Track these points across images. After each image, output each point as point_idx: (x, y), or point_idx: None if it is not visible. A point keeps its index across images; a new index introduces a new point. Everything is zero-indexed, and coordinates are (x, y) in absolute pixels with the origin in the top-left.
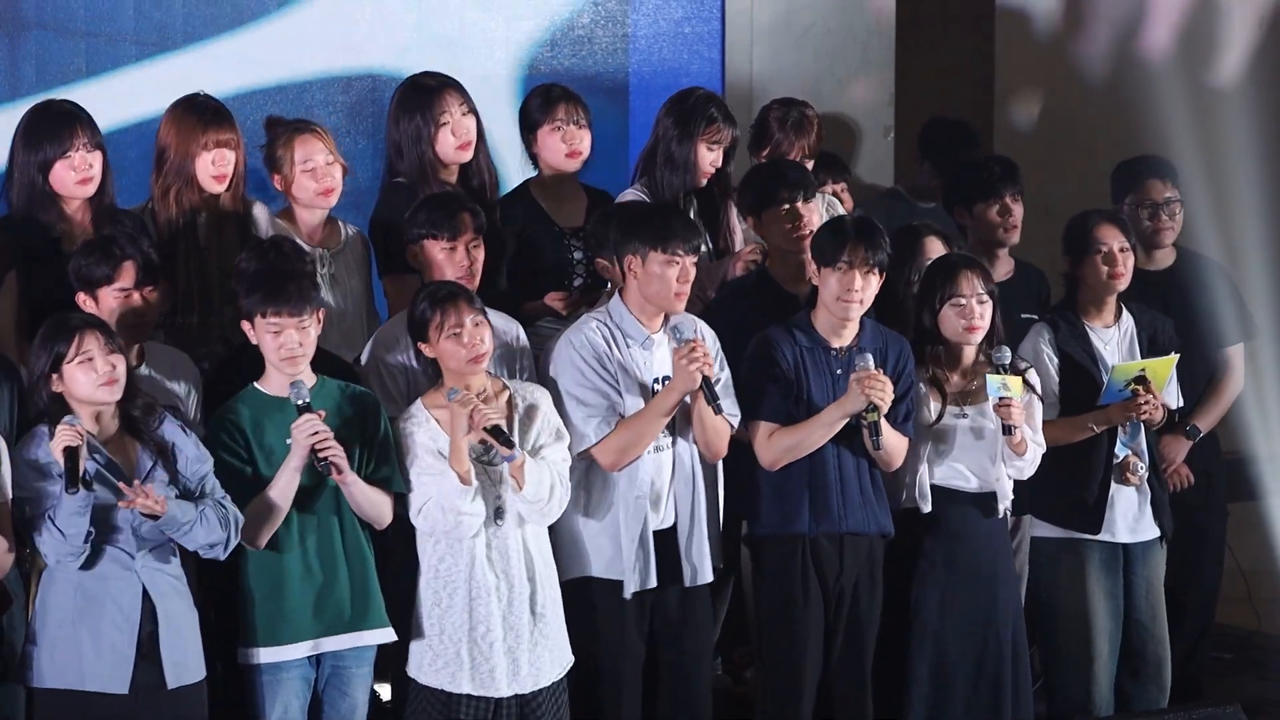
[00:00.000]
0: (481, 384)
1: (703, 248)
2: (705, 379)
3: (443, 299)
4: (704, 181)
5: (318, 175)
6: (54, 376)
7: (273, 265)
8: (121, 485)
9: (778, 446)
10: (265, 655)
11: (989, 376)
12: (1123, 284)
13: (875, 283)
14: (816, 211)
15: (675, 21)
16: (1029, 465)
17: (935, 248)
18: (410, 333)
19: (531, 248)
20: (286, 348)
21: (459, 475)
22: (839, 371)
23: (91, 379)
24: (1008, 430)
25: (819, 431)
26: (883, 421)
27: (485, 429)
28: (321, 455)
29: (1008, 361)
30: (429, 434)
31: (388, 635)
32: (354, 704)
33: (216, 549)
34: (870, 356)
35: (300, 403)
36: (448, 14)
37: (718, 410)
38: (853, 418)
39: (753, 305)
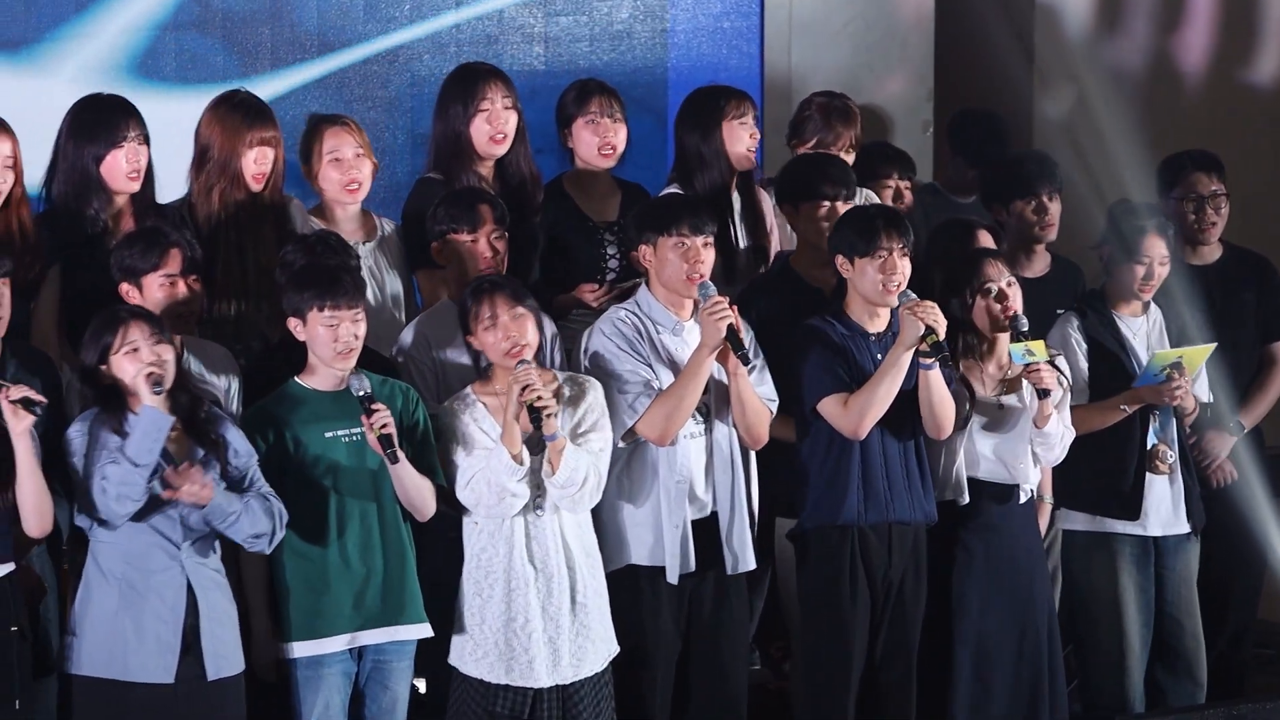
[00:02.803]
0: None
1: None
2: (731, 330)
3: (482, 292)
4: (746, 164)
5: (343, 167)
6: (102, 368)
7: (322, 260)
8: (168, 472)
9: (856, 410)
10: (302, 649)
11: (1012, 345)
12: (1149, 296)
13: (909, 265)
14: None
15: (714, 16)
16: (1058, 448)
17: (986, 240)
18: (461, 326)
19: (564, 243)
20: (342, 341)
21: (512, 455)
22: (879, 356)
23: (138, 368)
24: (1044, 394)
25: (888, 377)
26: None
27: (526, 404)
28: (383, 434)
29: (1026, 328)
30: (476, 416)
31: (424, 630)
32: (395, 697)
33: (261, 541)
34: (912, 294)
35: (362, 394)
36: (487, 9)
37: (745, 360)
38: (917, 353)
39: (777, 299)
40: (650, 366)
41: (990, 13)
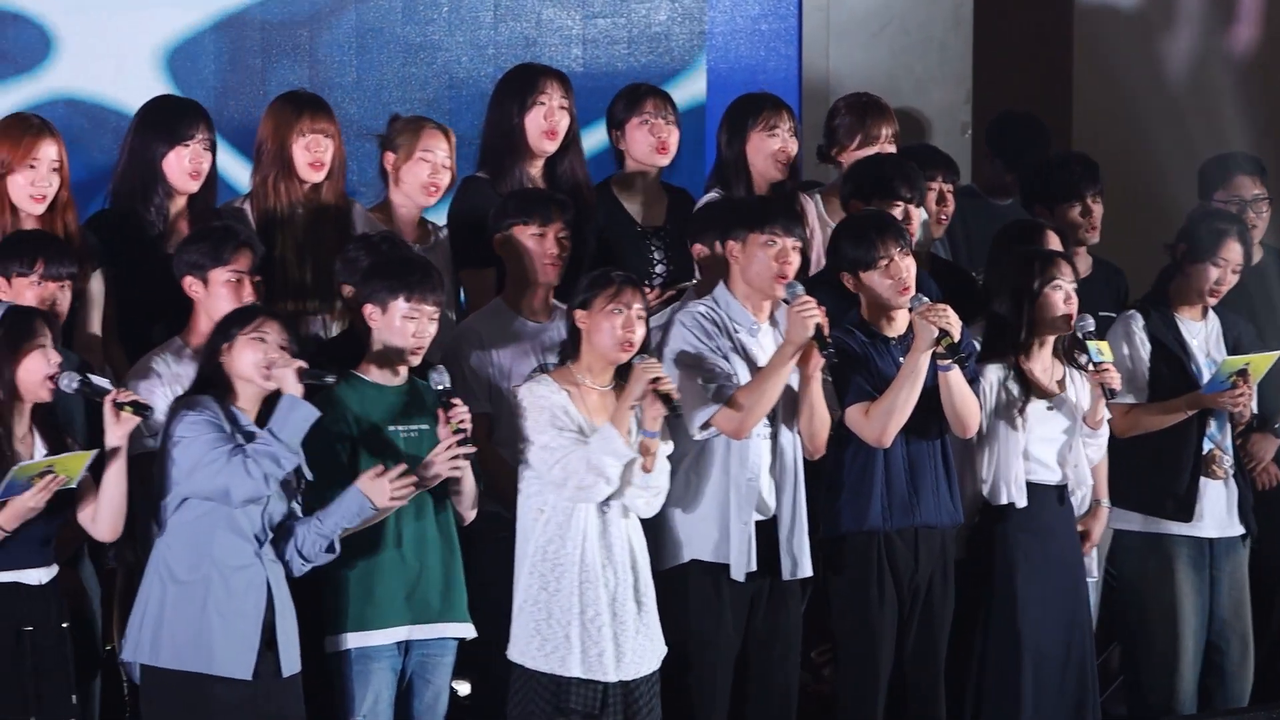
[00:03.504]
0: (610, 377)
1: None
2: (818, 329)
3: (619, 279)
4: (777, 173)
5: (431, 169)
6: (224, 346)
7: (400, 255)
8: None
9: (878, 417)
10: (354, 641)
11: (1089, 344)
12: (1216, 301)
13: (913, 262)
14: (920, 214)
15: (752, 19)
16: (1102, 444)
17: (1054, 242)
18: (576, 294)
19: (611, 246)
20: (418, 335)
21: (622, 438)
22: (900, 359)
23: (258, 356)
24: (1111, 394)
25: (907, 384)
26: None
27: (657, 392)
28: (460, 435)
29: (1092, 328)
30: (561, 403)
31: (469, 630)
32: (438, 691)
33: (314, 565)
34: (925, 297)
35: (441, 388)
36: (525, 12)
37: (829, 358)
38: (934, 356)
39: (828, 298)
40: (728, 359)
41: (1029, 14)
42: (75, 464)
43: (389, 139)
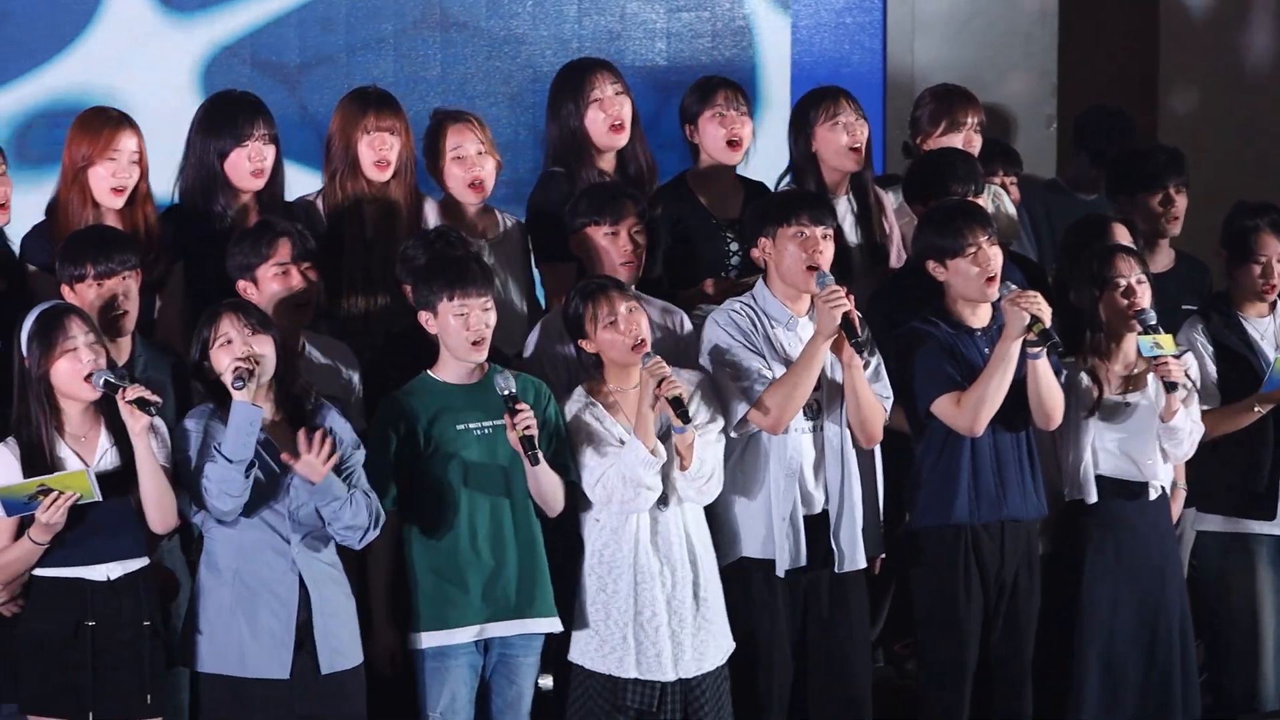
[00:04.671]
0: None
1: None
2: (846, 318)
3: (593, 291)
4: (849, 164)
5: (467, 165)
6: (205, 363)
7: (448, 252)
8: (300, 434)
9: (969, 407)
10: (431, 639)
11: (1140, 338)
12: (1273, 295)
13: (1000, 252)
14: (988, 201)
15: (836, 12)
16: (1187, 444)
17: (1122, 236)
18: (568, 331)
19: (687, 240)
20: (474, 330)
21: (647, 447)
22: (986, 350)
23: (227, 363)
24: (1171, 387)
25: (999, 371)
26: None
27: (667, 397)
28: (525, 434)
29: (1154, 322)
30: (595, 416)
31: (554, 625)
32: (520, 692)
33: (354, 534)
34: (1013, 285)
35: (506, 393)
36: (609, 6)
37: (859, 350)
38: (1024, 344)
39: (906, 292)
40: (764, 356)
41: (1115, 6)
42: (75, 481)
43: (426, 147)
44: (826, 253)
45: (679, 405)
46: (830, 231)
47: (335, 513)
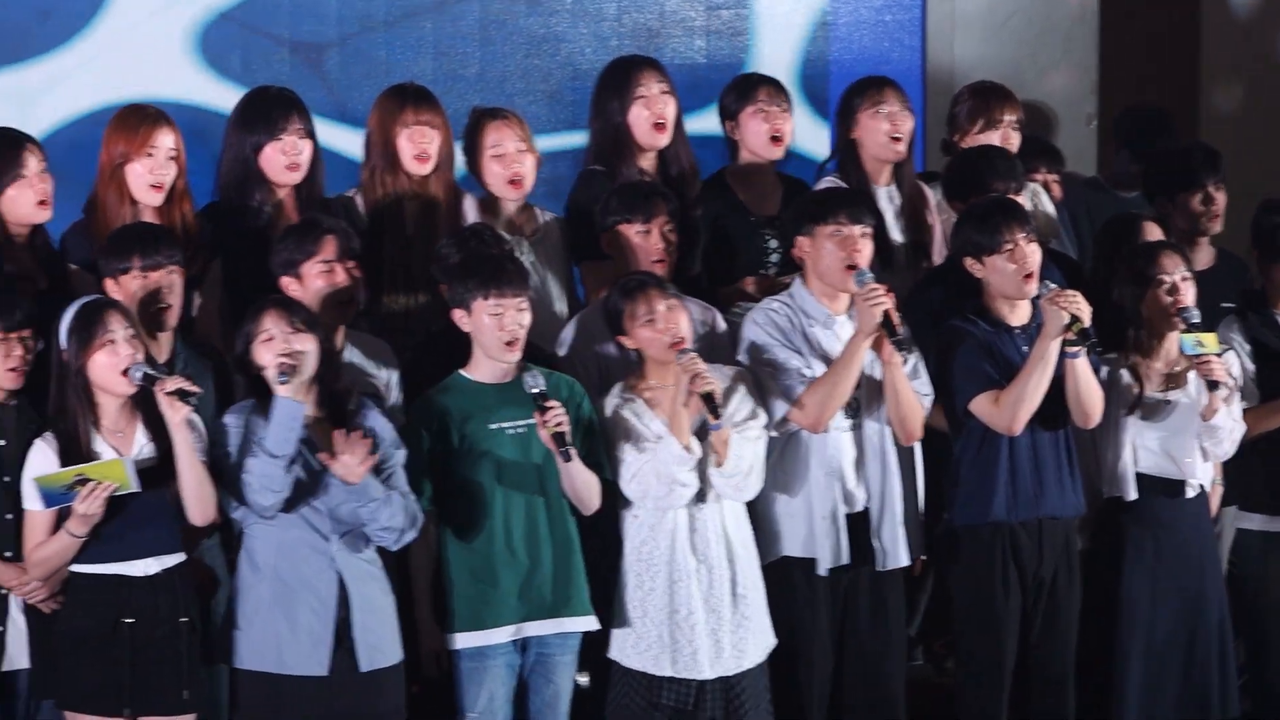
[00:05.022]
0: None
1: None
2: (886, 316)
3: (633, 289)
4: (890, 155)
5: (506, 162)
6: (249, 358)
7: (483, 250)
8: (336, 435)
9: (1008, 405)
10: (467, 640)
11: (1183, 336)
12: None
13: (1038, 249)
14: (1028, 199)
15: (875, 9)
16: (1227, 443)
17: (1154, 233)
18: (608, 327)
19: (726, 237)
20: (509, 330)
21: (681, 445)
22: (1024, 349)
23: (272, 357)
24: (1214, 386)
25: (1038, 370)
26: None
27: (699, 393)
28: (556, 431)
29: (1197, 320)
30: (637, 411)
31: (591, 623)
32: (558, 690)
33: (390, 535)
34: (1051, 284)
35: (535, 391)
36: (648, 4)
37: (899, 348)
38: (1064, 343)
39: (952, 287)
40: (803, 355)
41: (1155, 3)
42: (113, 470)
43: (466, 145)
44: (865, 251)
45: (710, 401)
46: (869, 230)
47: (372, 513)
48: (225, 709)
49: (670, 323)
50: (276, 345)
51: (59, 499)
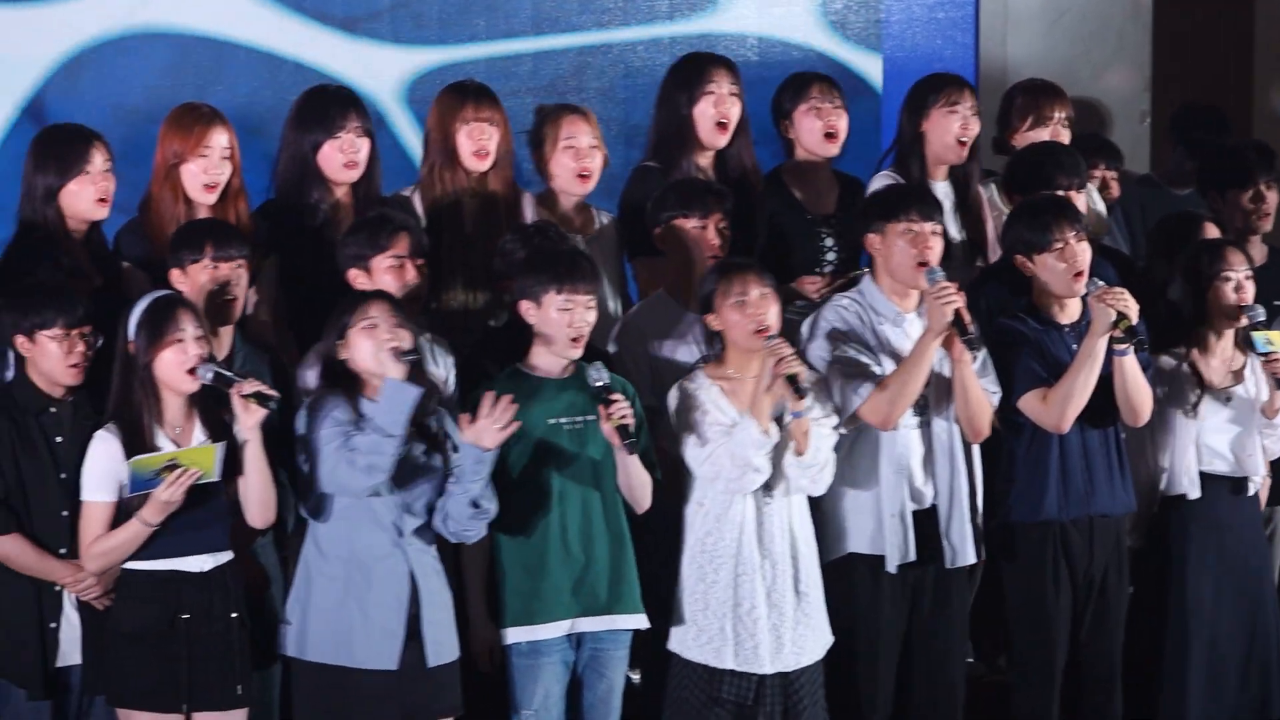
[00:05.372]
0: (760, 365)
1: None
2: (957, 314)
3: (730, 269)
4: (954, 155)
5: (578, 155)
6: (339, 344)
7: (553, 246)
8: (486, 396)
9: (1056, 403)
10: (522, 635)
11: (1253, 334)
12: None
13: (1089, 248)
14: (1085, 199)
15: (929, 7)
16: None
17: (1213, 233)
18: (700, 305)
19: (782, 235)
20: (576, 326)
21: (760, 427)
22: (1074, 347)
23: (377, 345)
24: None
25: (1085, 368)
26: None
27: (785, 375)
28: (622, 424)
29: (1262, 317)
30: (710, 397)
31: (641, 621)
32: (611, 685)
33: (477, 524)
34: (1100, 281)
35: (600, 384)
36: (701, 1)
37: (970, 346)
38: (1111, 340)
39: (1006, 286)
40: (873, 353)
41: (1209, 1)
42: (203, 456)
43: (533, 137)
44: (935, 248)
45: (795, 383)
46: (940, 228)
47: (480, 493)
48: (276, 708)
49: (760, 309)
50: (380, 333)
51: (144, 484)
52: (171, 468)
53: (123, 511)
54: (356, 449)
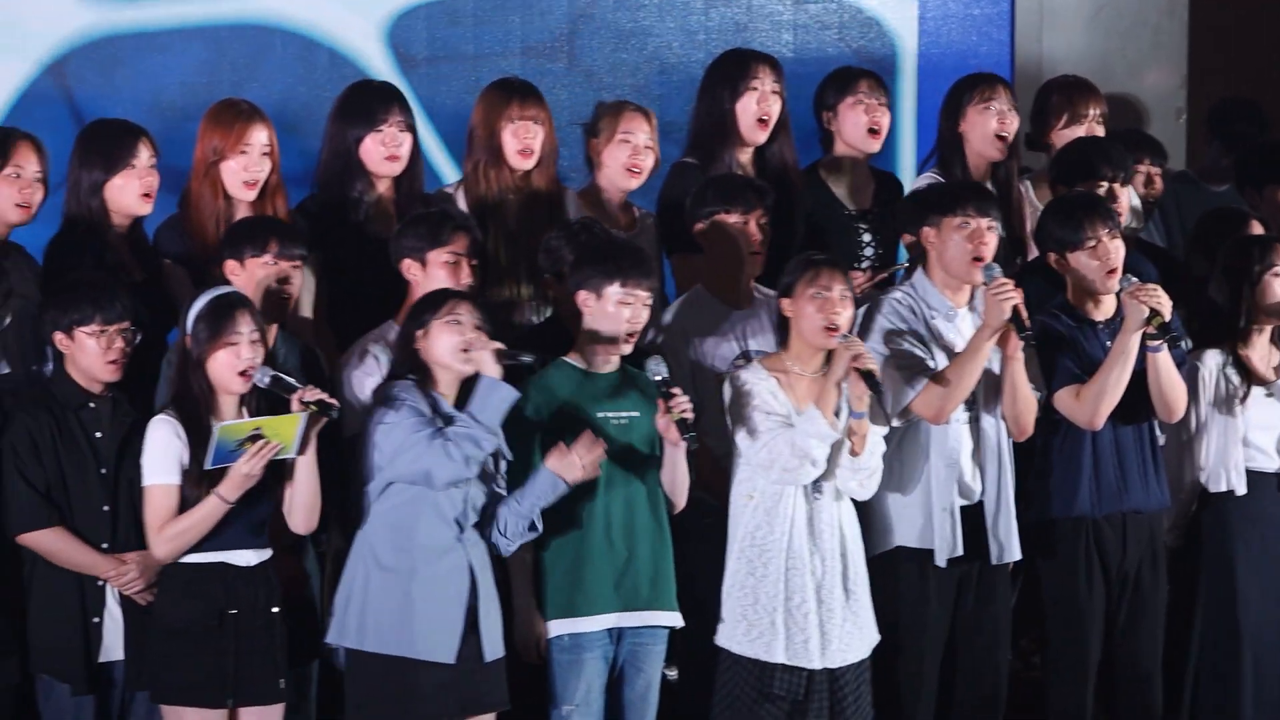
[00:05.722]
0: (820, 363)
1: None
2: (1015, 311)
3: (819, 262)
4: (993, 152)
5: (632, 150)
6: (419, 333)
7: (611, 240)
8: (587, 433)
9: (1089, 400)
10: (564, 627)
11: None
12: None
13: (1121, 245)
14: (1128, 195)
15: (964, 3)
16: None
17: (1257, 230)
18: (779, 289)
19: (819, 231)
20: (633, 321)
21: (826, 420)
22: (1108, 343)
23: (455, 340)
24: None
25: (1118, 365)
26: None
27: (861, 370)
28: (682, 418)
29: None
30: (770, 389)
31: (677, 619)
32: (649, 680)
33: (515, 548)
34: (1133, 278)
35: (659, 378)
36: None
37: (1028, 341)
38: (1144, 336)
39: (1045, 283)
40: (927, 347)
41: None
42: (286, 427)
43: (592, 124)
44: (991, 244)
45: (871, 379)
46: (995, 224)
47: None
48: (313, 704)
49: (834, 307)
50: (464, 330)
51: (225, 457)
52: (255, 438)
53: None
54: (453, 440)
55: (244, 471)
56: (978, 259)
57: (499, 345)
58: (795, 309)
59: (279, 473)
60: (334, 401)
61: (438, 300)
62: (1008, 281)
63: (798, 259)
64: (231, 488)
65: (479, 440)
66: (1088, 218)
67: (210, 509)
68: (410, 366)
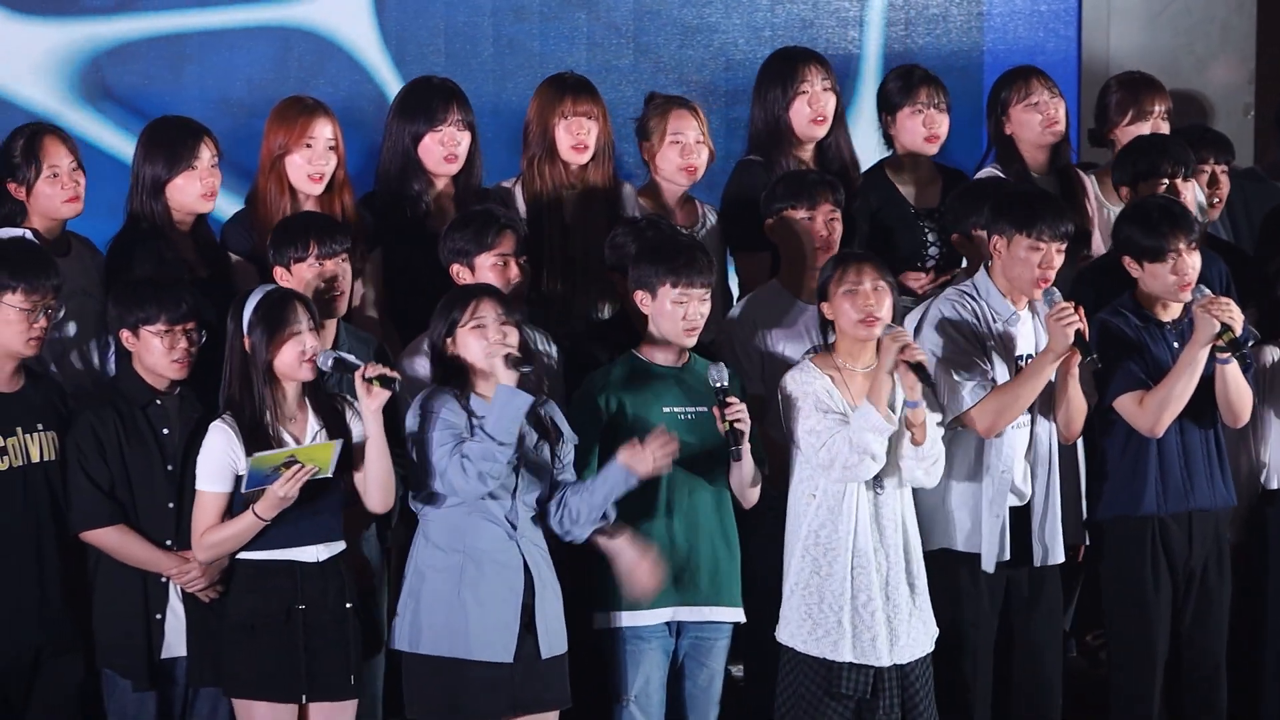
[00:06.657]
0: (871, 357)
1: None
2: (1079, 335)
3: (849, 258)
4: (1051, 138)
5: (685, 150)
6: (448, 341)
7: (666, 239)
8: (659, 429)
9: (1153, 408)
10: (623, 620)
11: None
12: None
13: (1199, 258)
14: (1193, 190)
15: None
16: None
17: None
18: (817, 292)
19: (885, 229)
20: (689, 319)
21: (881, 412)
22: (1175, 345)
23: (483, 345)
24: None
25: (1184, 376)
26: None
27: (909, 362)
28: (733, 423)
29: None
30: (824, 388)
31: (738, 615)
32: (712, 674)
33: (585, 536)
34: (1206, 289)
35: (719, 385)
36: None
37: (1094, 364)
38: (1213, 349)
39: (1114, 281)
40: (986, 353)
41: None
42: (321, 454)
43: (641, 125)
44: (1058, 266)
45: (921, 370)
46: (1065, 245)
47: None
48: (380, 703)
49: (870, 300)
50: (489, 333)
51: (260, 480)
52: (289, 464)
53: (235, 502)
54: (468, 456)
55: (280, 495)
56: (1044, 281)
57: (511, 350)
58: (833, 308)
59: (346, 461)
60: (394, 374)
61: (460, 302)
62: (1068, 305)
63: (828, 260)
64: (267, 508)
65: (490, 455)
66: (1171, 231)
67: (247, 525)
68: (448, 373)
